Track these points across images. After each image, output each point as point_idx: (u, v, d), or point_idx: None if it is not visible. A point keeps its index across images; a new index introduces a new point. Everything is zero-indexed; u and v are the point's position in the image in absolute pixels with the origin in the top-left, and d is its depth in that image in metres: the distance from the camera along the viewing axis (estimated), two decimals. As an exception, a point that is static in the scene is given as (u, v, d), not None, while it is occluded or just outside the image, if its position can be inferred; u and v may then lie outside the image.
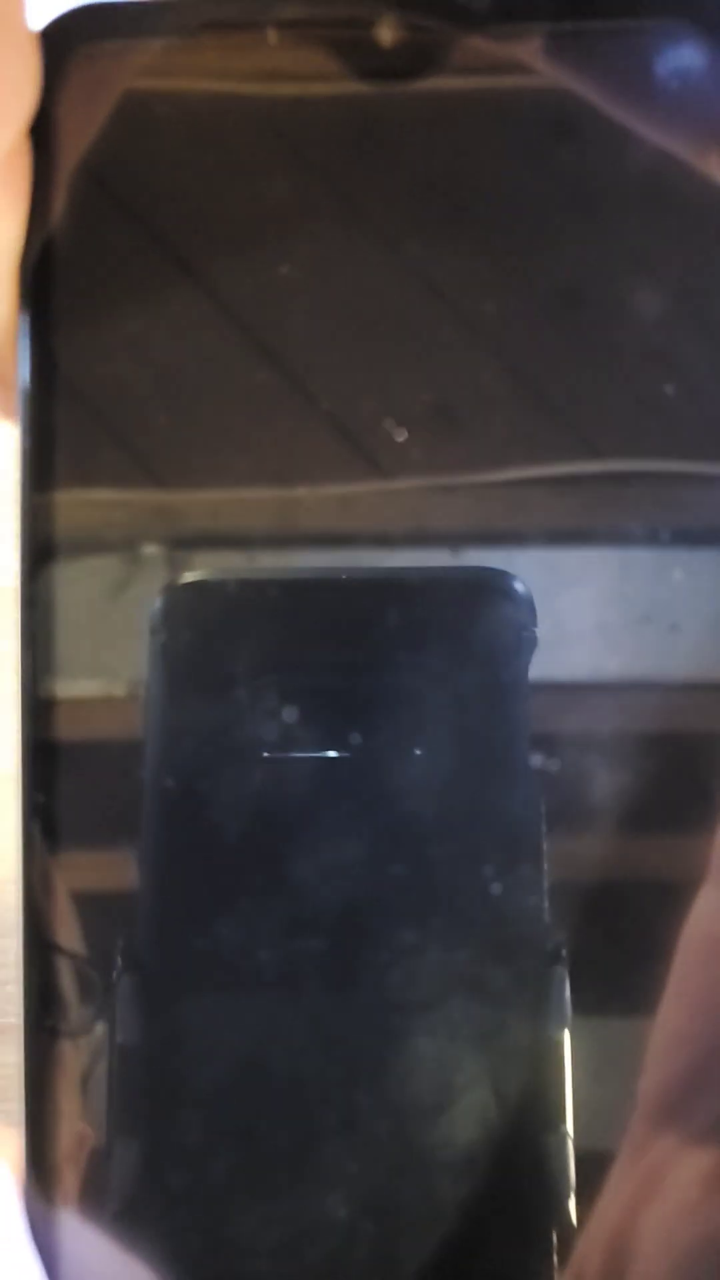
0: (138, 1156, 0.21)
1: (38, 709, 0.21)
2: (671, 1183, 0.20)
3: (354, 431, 0.22)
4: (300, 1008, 0.21)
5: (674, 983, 0.21)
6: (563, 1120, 0.21)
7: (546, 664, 0.22)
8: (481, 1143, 0.21)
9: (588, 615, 0.22)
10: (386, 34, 0.22)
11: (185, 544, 0.22)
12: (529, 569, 0.22)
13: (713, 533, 0.22)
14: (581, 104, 0.22)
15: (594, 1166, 0.21)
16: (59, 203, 0.21)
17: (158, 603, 0.22)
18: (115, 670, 0.22)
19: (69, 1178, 0.21)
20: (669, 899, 0.21)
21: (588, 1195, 0.21)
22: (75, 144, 0.22)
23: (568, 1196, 0.21)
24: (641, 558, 0.22)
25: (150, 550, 0.22)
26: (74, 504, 0.22)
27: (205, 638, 0.22)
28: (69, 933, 0.21)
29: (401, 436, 0.22)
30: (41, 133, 0.21)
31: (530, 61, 0.21)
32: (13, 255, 0.21)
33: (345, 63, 0.22)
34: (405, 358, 0.22)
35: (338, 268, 0.22)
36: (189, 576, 0.22)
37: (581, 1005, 0.21)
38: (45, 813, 0.21)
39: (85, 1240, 0.20)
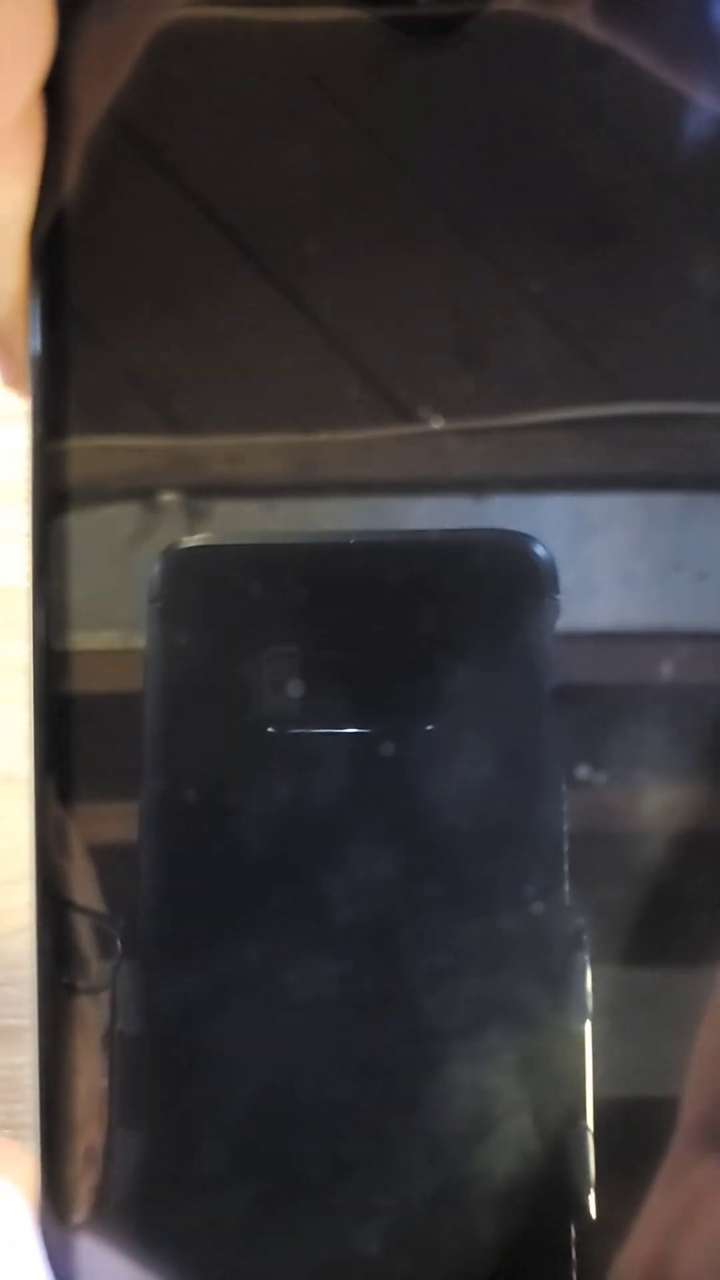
0: (138, 1150, 0.20)
1: (52, 662, 0.21)
2: (714, 1208, 0.19)
3: (376, 375, 0.21)
4: (307, 997, 0.21)
5: (716, 1003, 0.20)
6: (583, 1115, 0.21)
7: (573, 615, 0.21)
8: (498, 1138, 0.20)
9: (616, 563, 0.22)
10: None
11: (203, 492, 0.22)
12: (555, 515, 0.22)
13: None
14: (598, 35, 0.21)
15: (615, 1162, 0.20)
16: (74, 167, 0.21)
17: (155, 568, 0.21)
18: (133, 622, 0.21)
19: (84, 1197, 0.20)
20: (702, 870, 0.20)
21: (607, 1191, 0.20)
22: (92, 104, 0.21)
23: (587, 1192, 0.20)
24: (671, 503, 0.21)
25: (167, 498, 0.22)
26: (89, 451, 0.21)
27: (206, 606, 0.21)
28: (86, 890, 0.21)
29: (439, 424, 0.21)
30: (55, 92, 0.20)
31: (578, 24, 0.20)
32: (23, 223, 0.20)
33: (381, 15, 0.20)
34: (429, 298, 0.21)
35: (358, 207, 0.21)
36: (188, 541, 0.21)
37: (604, 995, 0.20)
38: (60, 767, 0.21)
39: (101, 1262, 0.20)
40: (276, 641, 0.21)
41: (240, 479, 0.22)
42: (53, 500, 0.21)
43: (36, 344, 0.20)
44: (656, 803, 0.21)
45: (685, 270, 0.21)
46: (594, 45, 0.21)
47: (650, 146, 0.21)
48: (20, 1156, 0.20)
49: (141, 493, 0.22)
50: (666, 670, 0.21)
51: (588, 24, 0.20)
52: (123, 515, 0.21)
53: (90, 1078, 0.20)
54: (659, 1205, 0.20)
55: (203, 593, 0.21)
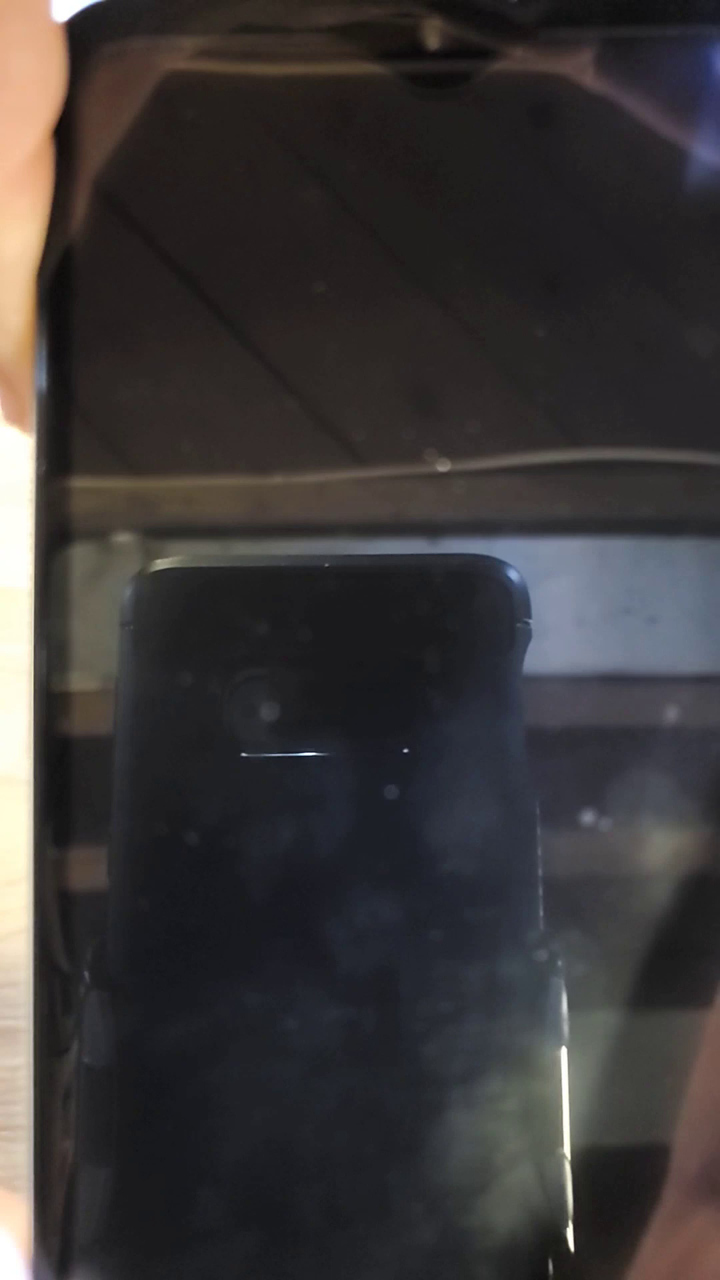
0: (104, 1187, 0.20)
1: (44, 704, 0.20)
2: (711, 1257, 0.19)
3: (331, 419, 0.22)
4: (277, 1029, 0.20)
5: (709, 1050, 0.20)
6: (560, 1143, 0.20)
7: (527, 657, 0.22)
8: (472, 1167, 0.20)
9: (566, 607, 0.22)
10: (432, 38, 0.21)
11: (159, 533, 0.22)
12: (507, 558, 0.22)
13: (692, 522, 0.22)
14: (562, 90, 0.21)
15: (593, 1192, 0.20)
16: (80, 209, 0.20)
17: (127, 591, 0.21)
18: (89, 662, 0.21)
19: (77, 1246, 0.20)
20: (668, 897, 0.20)
21: (585, 1222, 0.20)
22: (99, 147, 0.21)
23: (565, 1225, 0.20)
24: (622, 547, 0.22)
25: (123, 539, 0.22)
26: (62, 491, 0.21)
27: (177, 629, 0.21)
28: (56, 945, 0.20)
29: (445, 467, 0.21)
30: (65, 134, 0.20)
31: (578, 76, 0.20)
32: (31, 263, 0.20)
33: (387, 69, 0.21)
34: (384, 346, 0.22)
35: (315, 256, 0.22)
36: (159, 564, 0.21)
37: (579, 1017, 0.20)
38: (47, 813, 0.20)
39: None
40: (249, 665, 0.21)
41: (196, 520, 0.22)
42: (55, 539, 0.21)
43: (43, 381, 0.20)
44: (614, 842, 0.21)
45: (634, 321, 0.22)
46: (545, 104, 0.21)
47: (599, 201, 0.22)
48: (12, 1205, 0.19)
49: (97, 534, 0.22)
50: (618, 712, 0.22)
51: (589, 76, 0.20)
52: (81, 556, 0.21)
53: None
54: (655, 1254, 0.19)
55: (175, 616, 0.21)
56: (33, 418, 0.20)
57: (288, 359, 0.21)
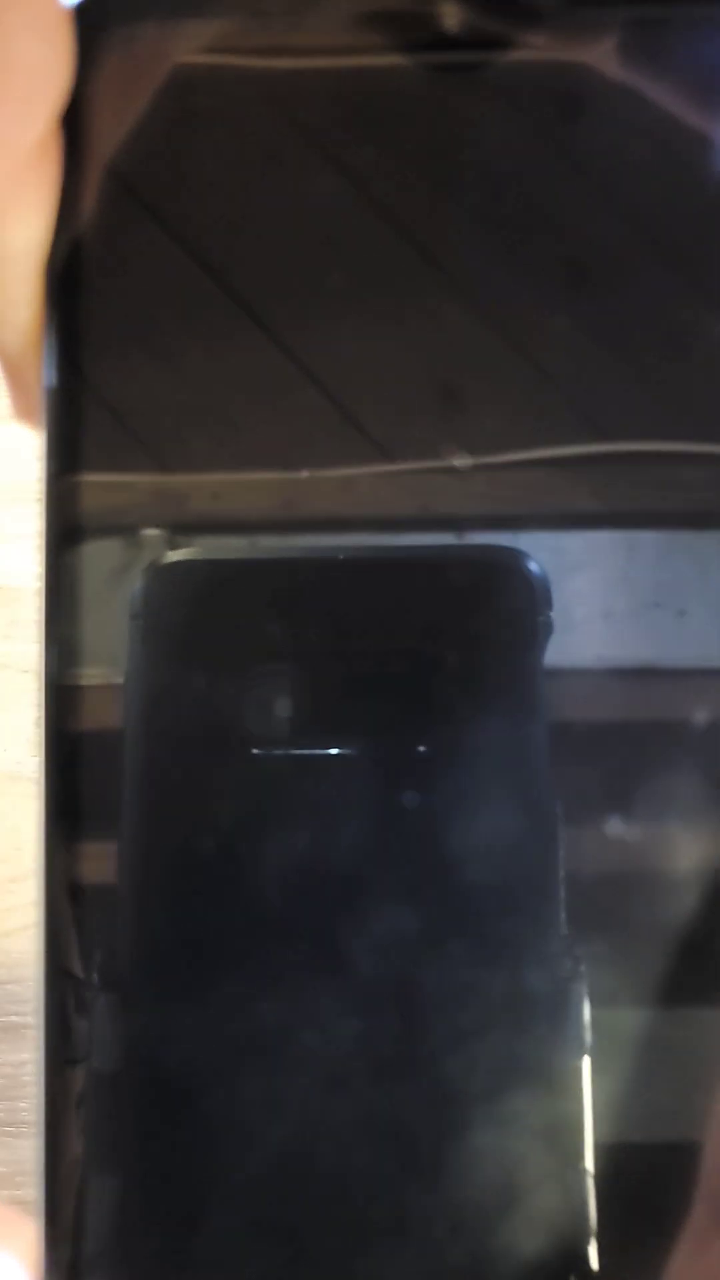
0: (113, 1196, 0.19)
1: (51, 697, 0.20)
2: None
3: (357, 414, 0.22)
4: (293, 1033, 0.20)
5: None
6: (582, 1156, 0.19)
7: (553, 651, 0.21)
8: (492, 1183, 0.19)
9: (595, 600, 0.22)
10: (451, 22, 0.20)
11: (187, 528, 0.22)
12: (535, 552, 0.22)
13: None
14: (588, 80, 0.21)
15: (617, 1208, 0.19)
16: (90, 199, 0.20)
17: (138, 584, 0.21)
18: (99, 659, 0.21)
19: (86, 1267, 0.19)
20: (698, 900, 0.20)
21: (609, 1240, 0.19)
22: (109, 135, 0.20)
23: (588, 1241, 0.19)
24: (650, 540, 0.22)
25: (151, 534, 0.22)
26: (76, 487, 0.21)
27: (190, 622, 0.21)
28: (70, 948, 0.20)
29: (471, 461, 0.20)
30: (74, 122, 0.20)
31: (601, 65, 0.20)
32: (38, 256, 0.20)
33: (404, 48, 0.20)
34: (409, 339, 0.22)
35: (341, 249, 0.22)
36: (172, 555, 0.21)
37: (603, 1025, 0.19)
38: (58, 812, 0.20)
39: None
40: (262, 659, 0.20)
41: (222, 515, 0.22)
42: (61, 542, 0.20)
43: (52, 377, 0.20)
44: (636, 839, 0.21)
45: (662, 313, 0.22)
46: (571, 93, 0.21)
47: (629, 195, 0.22)
48: (21, 1227, 0.19)
49: (125, 529, 0.22)
50: (647, 706, 0.21)
51: (612, 65, 0.20)
52: (107, 551, 0.21)
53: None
54: (683, 1272, 0.19)
55: (186, 608, 0.21)
56: (43, 414, 0.20)
57: (310, 353, 0.21)
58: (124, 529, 0.22)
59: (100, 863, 0.20)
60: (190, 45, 0.20)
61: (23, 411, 0.21)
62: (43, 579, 0.20)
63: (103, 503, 0.21)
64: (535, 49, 0.20)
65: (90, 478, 0.21)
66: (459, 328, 0.22)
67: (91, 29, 0.19)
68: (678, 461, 0.22)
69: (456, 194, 0.22)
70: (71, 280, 0.20)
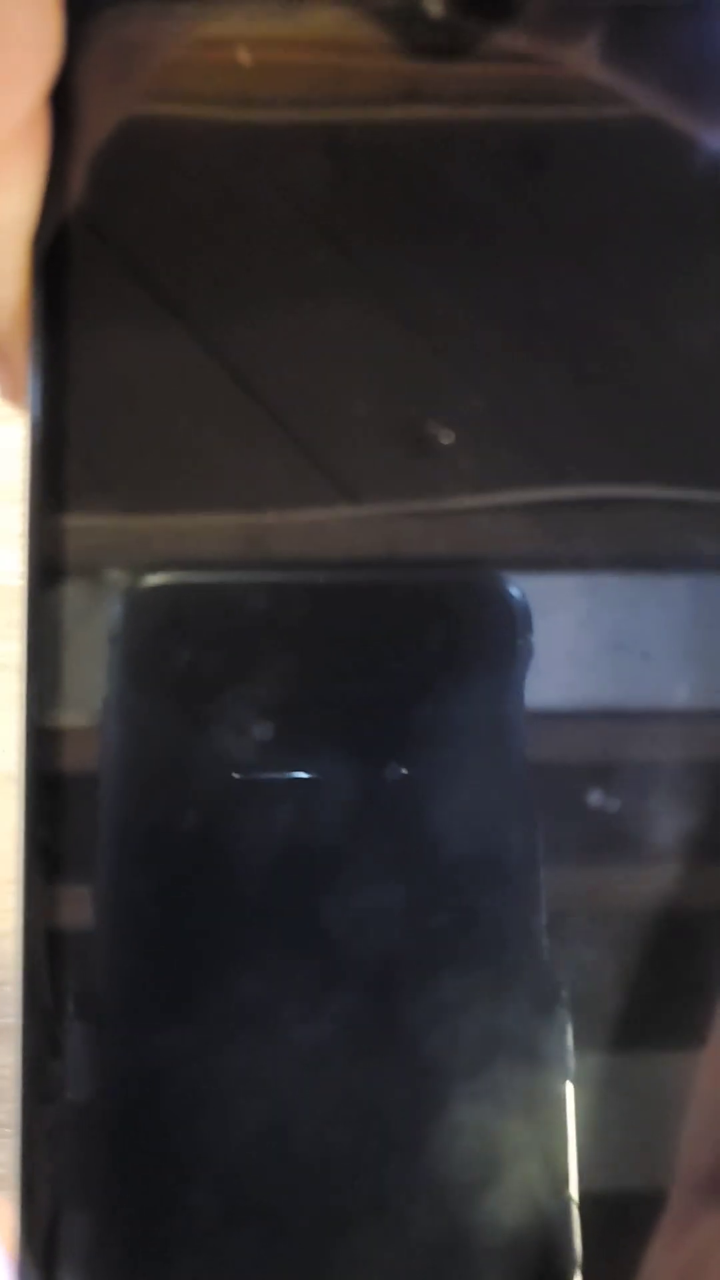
0: (86, 1230, 0.19)
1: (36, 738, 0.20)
2: None
3: (324, 456, 0.22)
4: (272, 1057, 0.19)
5: (714, 1050, 0.19)
6: (566, 1185, 0.19)
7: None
8: (474, 1212, 0.19)
9: (559, 643, 0.22)
10: (435, 6, 0.20)
11: (150, 570, 0.22)
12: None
13: (685, 559, 0.22)
14: (557, 134, 0.22)
15: (602, 1238, 0.19)
16: (79, 178, 0.20)
17: (118, 607, 0.20)
18: (77, 699, 0.21)
19: (65, 1247, 0.19)
20: (667, 930, 0.20)
21: (595, 1272, 0.19)
22: (101, 115, 0.20)
23: (573, 1274, 0.19)
24: (614, 584, 0.22)
25: (115, 576, 0.22)
26: (46, 529, 0.21)
27: (170, 647, 0.20)
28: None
29: (449, 439, 0.20)
30: (63, 101, 0.19)
31: (583, 65, 0.20)
32: (25, 232, 0.20)
33: (390, 33, 0.20)
34: (377, 382, 0.22)
35: (309, 295, 0.22)
36: (151, 579, 0.21)
37: (587, 1052, 0.19)
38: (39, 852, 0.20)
39: None
40: (242, 683, 0.20)
41: (187, 557, 0.22)
42: (41, 580, 0.20)
43: (38, 412, 0.20)
44: (610, 878, 0.21)
45: (628, 360, 0.22)
46: (536, 147, 0.22)
47: (591, 249, 0.22)
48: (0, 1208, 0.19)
49: (89, 571, 0.21)
50: (612, 748, 0.21)
51: (593, 65, 0.20)
52: (72, 593, 0.21)
53: None
54: (661, 1260, 0.19)
55: (166, 631, 0.20)
56: (29, 397, 0.20)
57: (277, 395, 0.22)
58: (86, 570, 0.21)
59: (79, 900, 0.20)
60: (184, 25, 0.20)
61: (9, 393, 0.21)
62: (24, 623, 0.20)
63: (75, 545, 0.21)
64: (516, 47, 0.20)
65: (64, 520, 0.21)
66: (426, 372, 0.22)
67: (83, 7, 0.19)
68: (642, 507, 0.22)
69: (425, 240, 0.22)
70: (59, 258, 0.20)
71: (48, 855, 0.20)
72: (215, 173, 0.21)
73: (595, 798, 0.21)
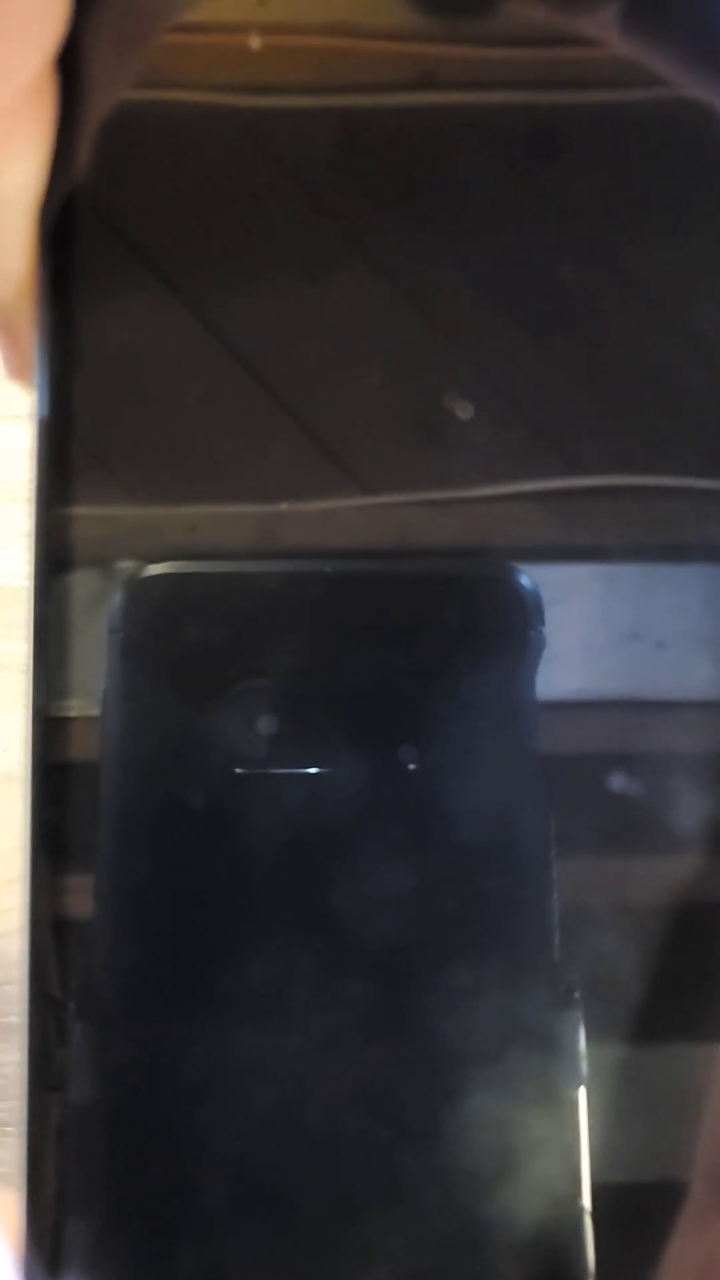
0: (90, 1233, 0.19)
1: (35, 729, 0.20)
2: None
3: (336, 447, 0.22)
4: (279, 1051, 0.19)
5: None
6: (579, 1194, 0.19)
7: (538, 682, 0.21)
8: (484, 1221, 0.18)
9: (574, 633, 0.22)
10: None
11: (163, 561, 0.22)
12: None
13: (699, 548, 0.22)
14: (569, 120, 0.21)
15: (616, 1246, 0.18)
16: (86, 146, 0.19)
17: (117, 597, 0.20)
18: (86, 689, 0.21)
19: (70, 1243, 0.19)
20: (682, 925, 0.20)
21: (610, 1270, 0.18)
22: (109, 82, 0.20)
23: (587, 1272, 0.18)
24: (629, 573, 0.22)
25: (126, 566, 0.22)
26: (52, 521, 0.21)
27: (170, 636, 0.20)
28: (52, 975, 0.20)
29: (468, 414, 0.20)
30: (70, 68, 0.19)
31: (601, 33, 0.19)
32: (32, 200, 0.19)
33: (369, 96, 0.20)
34: (389, 373, 0.22)
35: (320, 283, 0.22)
36: (152, 569, 0.20)
37: (600, 1047, 0.19)
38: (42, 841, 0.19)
39: None
40: (246, 675, 0.20)
41: (199, 548, 0.22)
42: (50, 571, 0.20)
43: (45, 411, 0.20)
44: (625, 870, 0.21)
45: (640, 347, 0.22)
46: (553, 130, 0.21)
47: (604, 237, 0.22)
48: (5, 1203, 0.19)
49: (101, 561, 0.21)
50: (627, 738, 0.21)
51: (612, 34, 0.19)
52: (83, 583, 0.21)
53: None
54: (680, 1259, 0.18)
55: (167, 622, 0.20)
56: (35, 374, 0.19)
57: (290, 386, 0.21)
58: (100, 562, 0.21)
59: (81, 895, 0.20)
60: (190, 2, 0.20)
61: (15, 369, 0.20)
62: (31, 614, 0.19)
63: (82, 536, 0.20)
64: (534, 17, 0.20)
65: (73, 511, 0.20)
66: (439, 362, 0.22)
67: None
68: (656, 495, 0.22)
69: (434, 233, 0.22)
70: (66, 229, 0.20)
71: (53, 854, 0.19)
72: (226, 156, 0.21)
73: (610, 787, 0.21)
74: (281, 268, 0.21)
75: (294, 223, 0.21)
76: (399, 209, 0.22)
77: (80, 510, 0.20)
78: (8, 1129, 0.19)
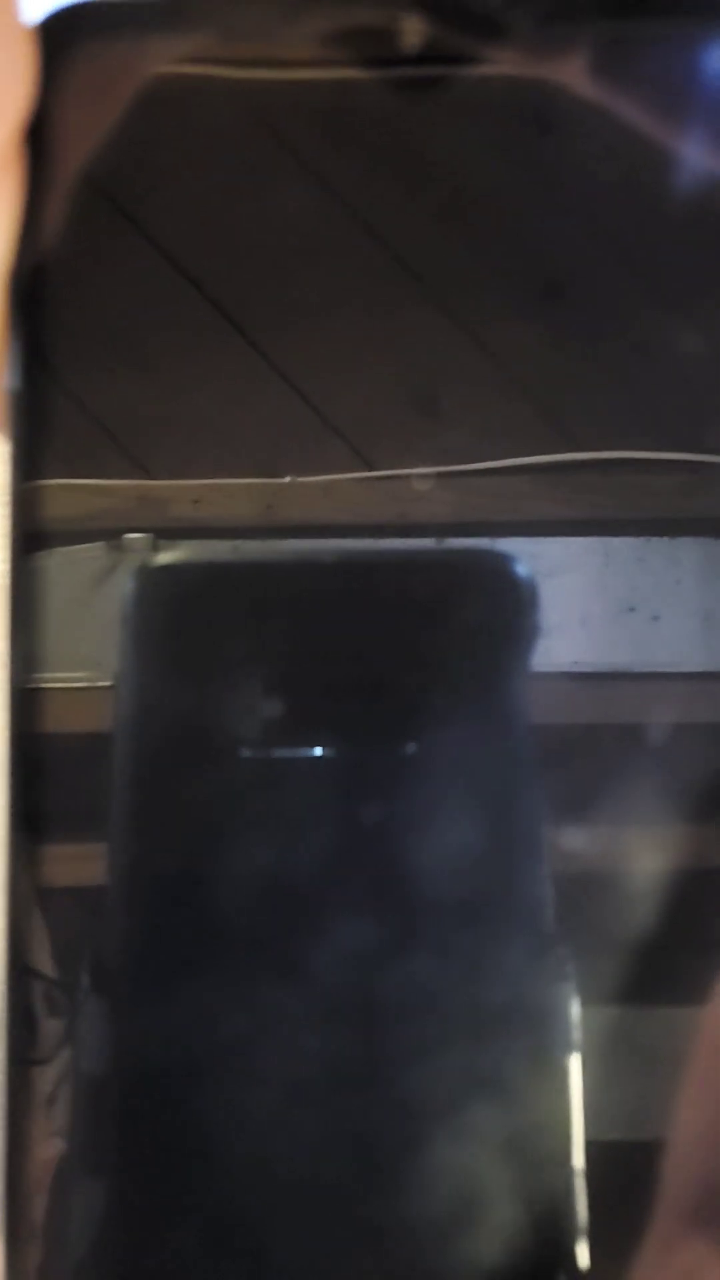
0: (101, 1198, 0.19)
1: (22, 702, 0.20)
2: None
3: (337, 421, 0.22)
4: (285, 1030, 0.19)
5: (695, 1077, 0.18)
6: (571, 1156, 0.19)
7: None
8: (481, 1181, 0.19)
9: (571, 606, 0.22)
10: (412, 37, 0.21)
11: (169, 532, 0.22)
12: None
13: (694, 521, 0.22)
14: (563, 99, 0.22)
15: (606, 1205, 0.19)
16: (57, 210, 0.21)
17: (130, 585, 0.21)
18: (98, 660, 0.21)
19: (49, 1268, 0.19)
20: (675, 895, 0.20)
21: (599, 1237, 0.19)
22: (77, 148, 0.21)
23: (576, 1240, 0.19)
24: (625, 547, 0.22)
25: (134, 538, 0.22)
26: (58, 492, 0.21)
27: (181, 623, 0.21)
28: (39, 948, 0.20)
29: (426, 485, 0.20)
30: (39, 136, 0.20)
31: (572, 82, 0.20)
32: (3, 263, 0.21)
33: (366, 70, 0.21)
34: (388, 348, 0.22)
35: (320, 259, 0.22)
36: (162, 558, 0.21)
37: (592, 1021, 0.19)
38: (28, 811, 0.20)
39: None
40: (252, 661, 0.20)
41: (204, 520, 0.22)
42: (26, 541, 0.21)
43: (17, 382, 0.20)
44: (619, 841, 0.21)
45: (633, 323, 0.22)
46: (545, 110, 0.22)
47: (600, 210, 0.22)
48: None
49: (108, 533, 0.22)
50: (622, 709, 0.22)
51: (583, 83, 0.20)
52: (90, 555, 0.22)
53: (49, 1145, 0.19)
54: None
55: (177, 611, 0.21)
56: (7, 419, 0.20)
57: (291, 361, 0.22)
58: (107, 533, 0.22)
59: (72, 865, 0.20)
60: (162, 59, 0.21)
61: None
62: (8, 581, 0.20)
63: (86, 508, 0.21)
64: (505, 66, 0.21)
65: (72, 482, 0.21)
66: (437, 339, 0.22)
67: (58, 43, 0.19)
68: (651, 469, 0.22)
69: (433, 208, 0.22)
70: (41, 291, 0.21)
71: (29, 828, 0.20)
72: (218, 135, 0.22)
73: (604, 762, 0.21)
74: (281, 246, 0.22)
75: (293, 202, 0.22)
76: (399, 186, 0.22)
77: (81, 481, 0.21)
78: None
